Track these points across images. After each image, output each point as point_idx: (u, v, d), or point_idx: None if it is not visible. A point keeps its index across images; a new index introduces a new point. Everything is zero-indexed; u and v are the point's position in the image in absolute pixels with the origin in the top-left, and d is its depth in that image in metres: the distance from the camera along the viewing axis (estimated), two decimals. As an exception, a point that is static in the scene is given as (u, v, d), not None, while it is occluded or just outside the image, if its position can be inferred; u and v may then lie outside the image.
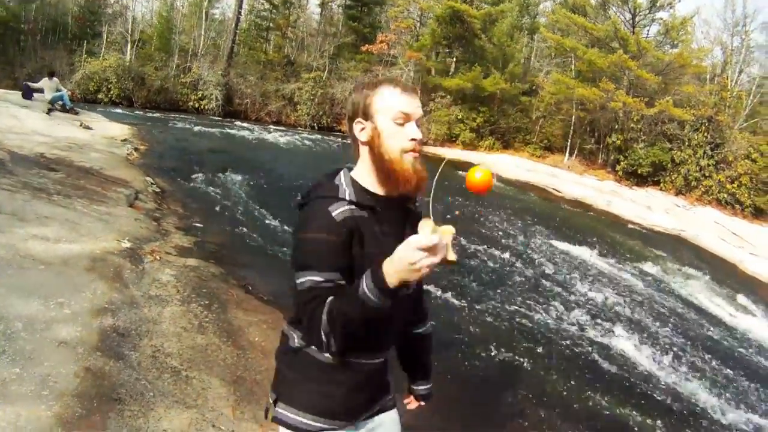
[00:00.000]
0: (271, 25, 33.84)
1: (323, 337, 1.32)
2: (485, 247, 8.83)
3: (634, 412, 4.79)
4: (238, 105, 28.76)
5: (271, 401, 1.58)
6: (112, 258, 4.63)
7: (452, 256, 1.25)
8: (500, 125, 26.35)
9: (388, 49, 29.29)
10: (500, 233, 10.30)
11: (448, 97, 26.34)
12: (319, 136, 22.94)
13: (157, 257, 5.12)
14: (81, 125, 12.35)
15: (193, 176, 9.95)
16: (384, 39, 29.25)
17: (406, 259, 1.17)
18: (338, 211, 1.40)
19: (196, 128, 18.16)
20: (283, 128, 24.78)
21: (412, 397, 1.90)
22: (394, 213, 1.51)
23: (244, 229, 7.33)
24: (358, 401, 1.57)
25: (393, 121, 1.44)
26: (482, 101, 26.03)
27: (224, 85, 28.10)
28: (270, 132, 21.08)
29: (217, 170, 10.67)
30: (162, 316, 3.98)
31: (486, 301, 6.52)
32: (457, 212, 9.99)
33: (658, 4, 24.51)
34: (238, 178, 10.42)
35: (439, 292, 6.37)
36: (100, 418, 2.62)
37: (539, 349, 5.57)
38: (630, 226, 15.39)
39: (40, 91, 13.89)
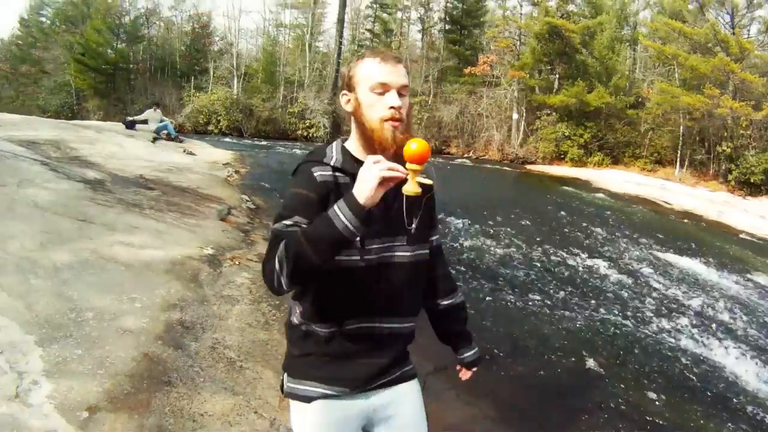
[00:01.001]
0: (373, 53, 34.87)
1: (276, 264, 1.30)
2: (582, 255, 8.40)
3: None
4: (345, 132, 29.62)
5: (282, 378, 1.64)
6: (191, 262, 4.86)
7: (413, 187, 1.29)
8: (608, 140, 25.42)
9: (491, 70, 29.27)
10: (599, 242, 9.78)
11: (554, 114, 25.93)
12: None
13: (237, 262, 5.30)
14: (184, 151, 13.12)
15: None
16: (486, 60, 29.51)
17: (363, 170, 1.26)
18: (320, 173, 1.47)
19: (299, 152, 18.84)
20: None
21: (462, 368, 1.90)
22: None
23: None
24: (360, 370, 1.56)
25: (372, 91, 1.46)
26: (588, 117, 25.31)
27: (331, 113, 29.26)
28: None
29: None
30: (230, 313, 4.10)
31: (577, 309, 6.16)
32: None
33: (755, 2, 22.89)
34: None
35: (525, 298, 6.12)
36: (146, 396, 2.73)
37: (632, 360, 5.14)
38: (742, 236, 14.06)
39: (145, 122, 14.97)
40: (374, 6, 36.69)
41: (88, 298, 3.59)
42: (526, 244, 8.61)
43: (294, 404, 1.60)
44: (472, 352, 1.86)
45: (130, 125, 14.96)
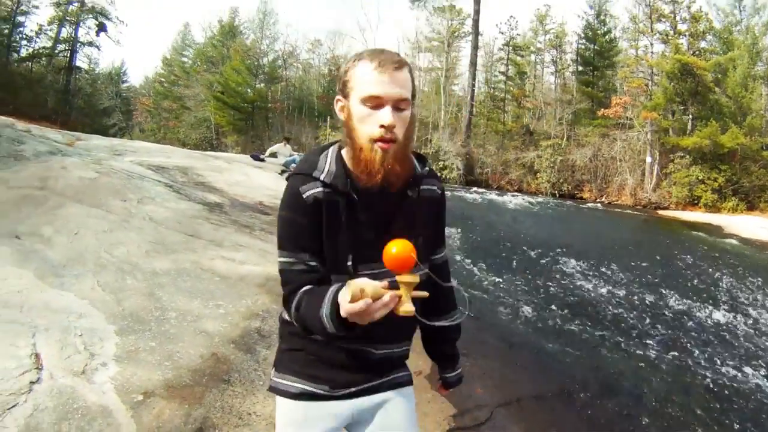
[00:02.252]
0: (507, 96, 34.79)
1: (293, 316, 1.39)
2: (702, 302, 7.51)
3: None
4: (479, 174, 29.87)
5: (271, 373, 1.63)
6: (287, 279, 5.06)
7: (406, 308, 1.16)
8: (743, 184, 23.26)
9: (624, 112, 28.01)
10: (722, 289, 8.67)
11: (687, 156, 24.23)
12: (558, 202, 22.36)
13: None
14: None
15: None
16: (618, 102, 28.41)
17: (345, 310, 1.16)
18: (309, 192, 1.37)
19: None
20: (523, 195, 24.69)
21: (440, 385, 1.82)
22: (378, 199, 1.39)
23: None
24: (344, 375, 1.51)
25: (363, 103, 1.31)
26: (722, 159, 23.60)
27: (464, 155, 29.43)
28: (505, 197, 21.17)
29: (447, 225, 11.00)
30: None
31: (693, 361, 5.48)
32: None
33: None
34: (464, 234, 10.59)
35: (631, 342, 5.57)
36: (201, 390, 2.87)
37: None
38: None
39: (274, 155, 15.81)
40: (507, 48, 36.62)
41: (175, 301, 3.90)
42: (643, 287, 7.89)
43: (277, 399, 1.55)
44: (455, 373, 1.76)
45: (257, 158, 15.85)
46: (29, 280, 4.15)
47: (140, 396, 2.69)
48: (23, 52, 33.36)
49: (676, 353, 5.46)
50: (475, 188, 25.02)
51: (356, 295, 1.12)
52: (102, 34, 33.65)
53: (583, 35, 35.07)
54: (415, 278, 1.16)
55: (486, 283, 7.36)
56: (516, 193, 24.87)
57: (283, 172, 14.75)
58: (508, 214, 16.41)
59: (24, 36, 32.98)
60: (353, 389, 1.50)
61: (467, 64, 32.78)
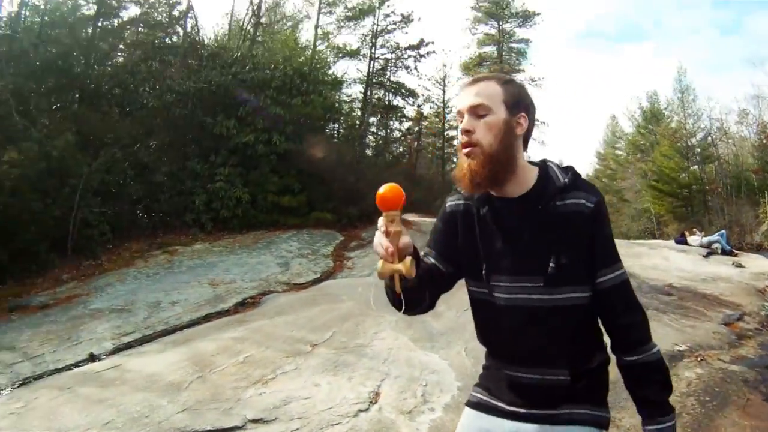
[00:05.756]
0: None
1: None
2: None
3: None
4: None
5: None
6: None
7: (400, 267, 1.23)
8: None
9: None
10: None
11: None
12: None
13: (699, 359, 5.42)
14: (733, 264, 12.27)
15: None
16: None
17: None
18: (449, 204, 1.56)
19: None
20: None
21: None
22: (510, 211, 1.45)
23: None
24: (509, 396, 1.52)
25: (458, 122, 1.44)
26: None
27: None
28: None
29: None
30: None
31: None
32: None
33: None
34: None
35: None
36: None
37: None
38: None
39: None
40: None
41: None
42: None
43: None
44: (658, 427, 1.42)
45: (681, 241, 15.35)
46: (403, 341, 5.23)
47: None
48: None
49: None
50: None
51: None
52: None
53: None
54: (391, 212, 1.21)
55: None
56: None
57: (708, 254, 13.63)
58: None
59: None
60: (518, 410, 1.49)
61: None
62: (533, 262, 1.39)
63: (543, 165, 1.49)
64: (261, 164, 14.46)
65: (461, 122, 1.40)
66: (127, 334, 6.70)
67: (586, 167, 49.21)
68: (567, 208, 1.40)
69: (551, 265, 1.37)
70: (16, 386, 5.25)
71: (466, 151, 1.39)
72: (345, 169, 16.18)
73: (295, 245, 12.37)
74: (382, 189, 1.20)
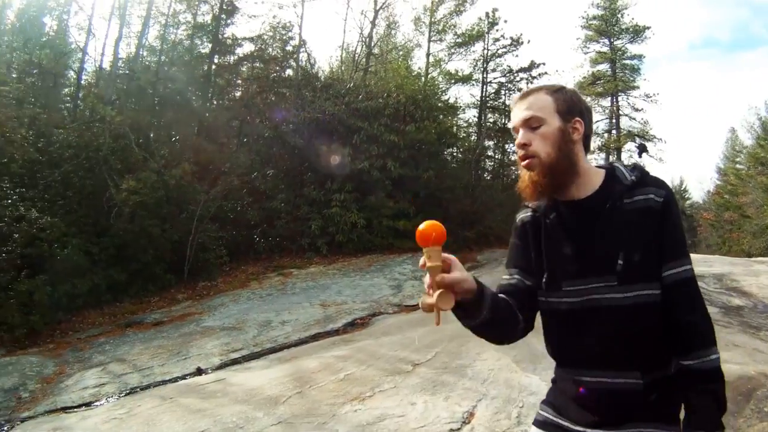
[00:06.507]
0: None
1: None
2: None
3: None
4: None
5: None
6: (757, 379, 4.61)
7: (431, 300, 1.18)
8: None
9: None
10: None
11: None
12: None
13: None
14: None
15: None
16: None
17: None
18: (519, 218, 1.54)
19: None
20: None
21: None
22: (577, 216, 1.41)
23: None
24: (574, 412, 1.43)
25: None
26: None
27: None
28: None
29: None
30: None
31: None
32: None
33: None
34: None
35: None
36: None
37: None
38: None
39: None
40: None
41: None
42: None
43: None
44: None
45: None
46: (505, 362, 5.01)
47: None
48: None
49: None
50: None
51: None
52: (644, 155, 32.07)
53: None
54: (433, 247, 1.18)
55: None
56: None
57: None
58: None
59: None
60: (584, 429, 1.39)
61: None
62: (604, 261, 1.33)
63: (610, 167, 1.46)
64: (376, 189, 14.71)
65: (517, 137, 1.40)
66: (236, 350, 6.91)
67: (706, 184, 45.27)
68: (635, 204, 1.36)
69: (620, 262, 1.31)
70: (122, 395, 5.64)
71: (524, 163, 1.38)
72: (461, 193, 16.61)
73: (409, 268, 12.41)
74: (422, 226, 1.19)
